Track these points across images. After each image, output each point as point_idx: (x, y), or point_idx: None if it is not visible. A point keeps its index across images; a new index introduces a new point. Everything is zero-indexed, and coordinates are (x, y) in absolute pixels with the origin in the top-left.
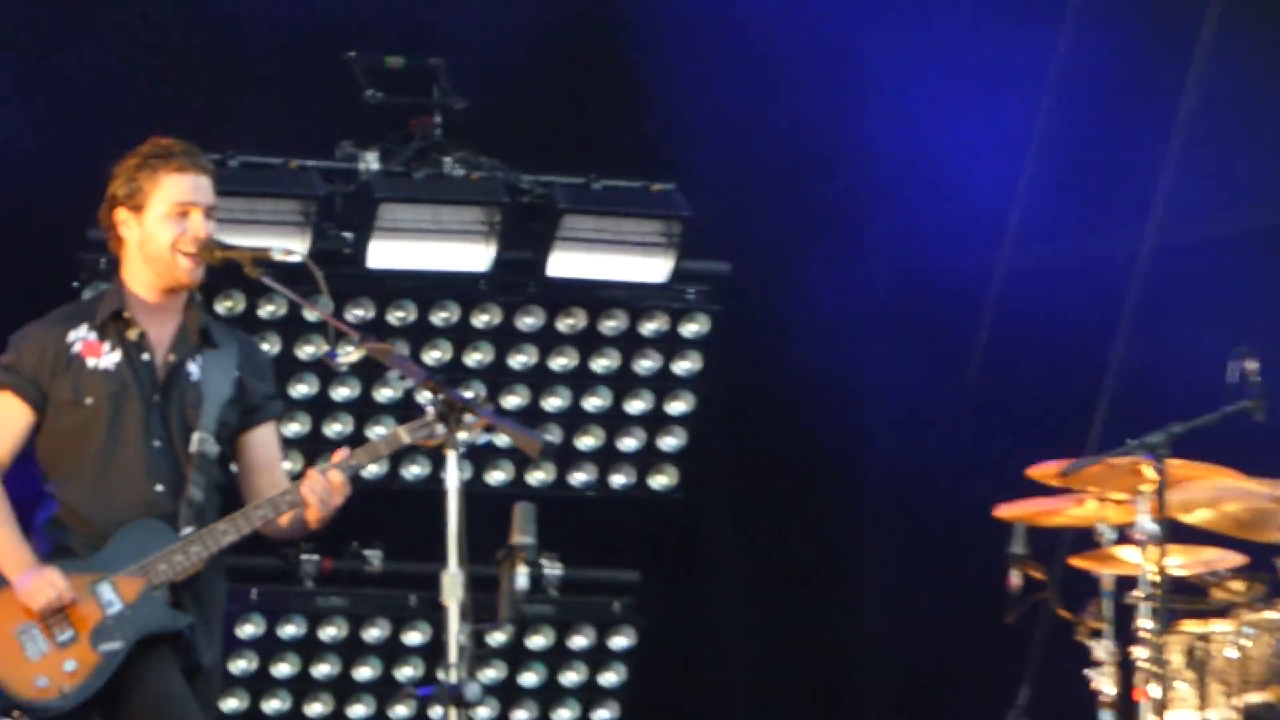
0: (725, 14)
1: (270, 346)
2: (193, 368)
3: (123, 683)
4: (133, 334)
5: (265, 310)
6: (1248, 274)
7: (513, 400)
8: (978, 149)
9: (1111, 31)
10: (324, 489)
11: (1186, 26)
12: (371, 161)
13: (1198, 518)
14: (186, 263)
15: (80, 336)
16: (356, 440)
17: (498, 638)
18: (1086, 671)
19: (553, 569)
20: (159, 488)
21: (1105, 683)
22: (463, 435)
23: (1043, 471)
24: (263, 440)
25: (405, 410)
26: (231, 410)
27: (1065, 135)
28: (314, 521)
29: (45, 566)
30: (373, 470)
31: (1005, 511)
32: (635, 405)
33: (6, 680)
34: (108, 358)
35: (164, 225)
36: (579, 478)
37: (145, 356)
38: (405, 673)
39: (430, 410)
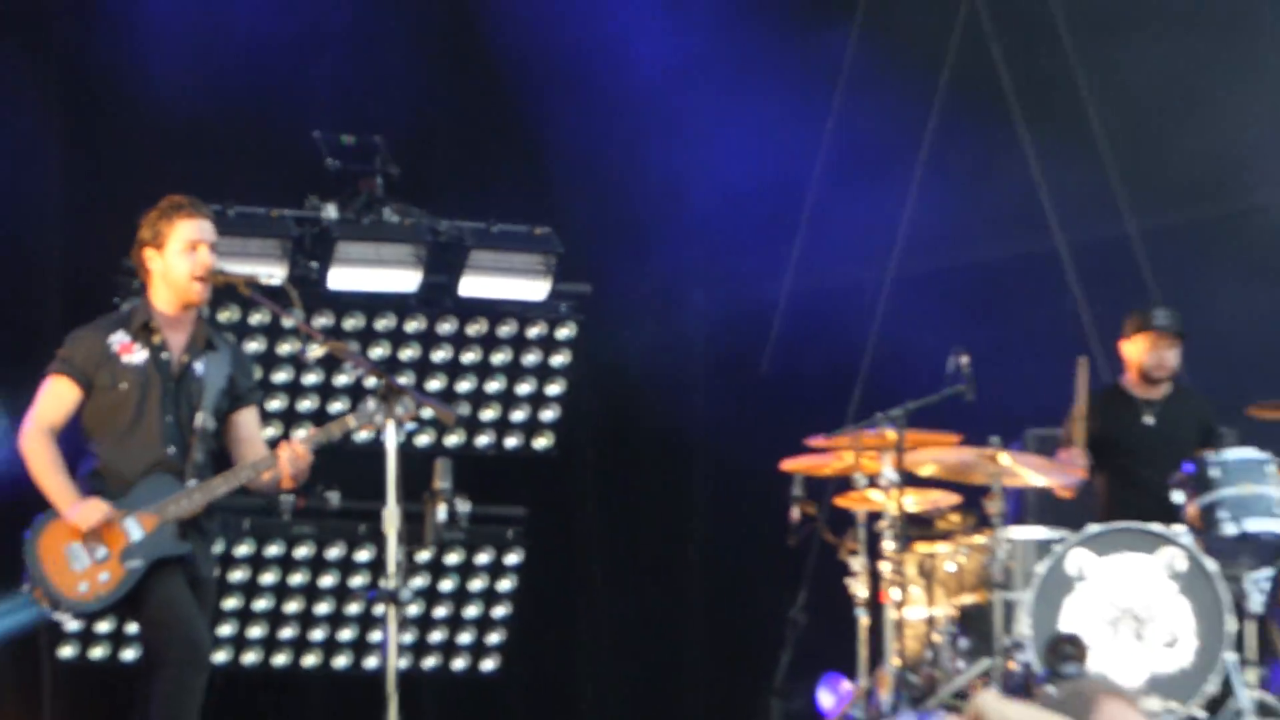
0: (594, 89)
1: (258, 345)
2: (198, 365)
3: (142, 590)
4: (156, 339)
5: (254, 318)
6: (967, 293)
7: (434, 384)
8: (766, 194)
9: (867, 103)
10: (292, 458)
11: (922, 105)
12: (331, 211)
13: (925, 469)
14: (198, 286)
15: (118, 339)
16: (321, 413)
17: (423, 555)
18: (846, 580)
19: (463, 506)
20: (170, 450)
21: (860, 588)
22: (399, 410)
23: (816, 442)
24: (246, 420)
25: (358, 392)
26: (224, 398)
27: (835, 186)
28: (286, 483)
29: (90, 498)
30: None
31: (788, 465)
32: (522, 388)
33: (57, 585)
34: (137, 355)
35: (180, 258)
36: (482, 440)
37: (164, 356)
38: (356, 581)
39: (370, 401)
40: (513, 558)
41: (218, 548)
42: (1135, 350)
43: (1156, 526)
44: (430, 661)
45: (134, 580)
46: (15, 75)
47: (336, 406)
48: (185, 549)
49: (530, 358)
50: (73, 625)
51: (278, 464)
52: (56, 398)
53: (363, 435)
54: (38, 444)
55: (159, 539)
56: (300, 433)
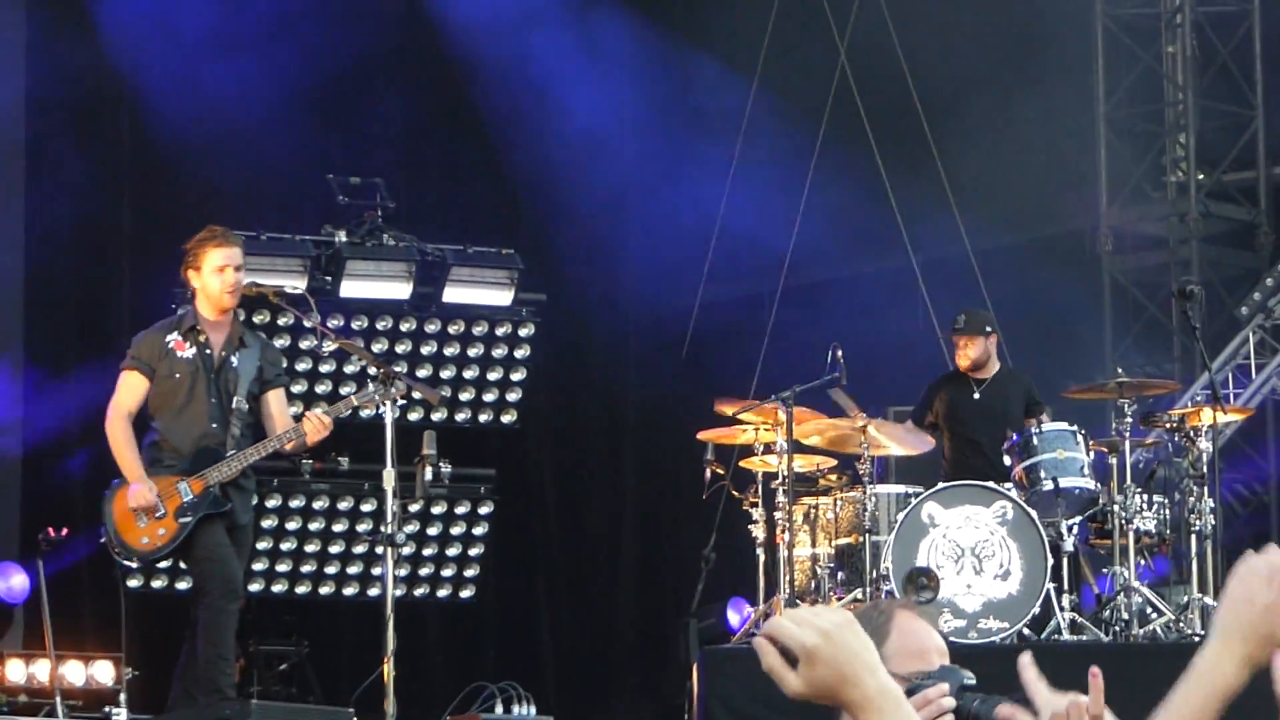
0: (547, 134)
1: (284, 341)
2: (234, 359)
3: (191, 539)
4: (201, 338)
5: (281, 320)
6: (841, 300)
7: (423, 372)
8: (684, 220)
9: (761, 149)
10: (315, 426)
11: (805, 152)
12: (342, 236)
13: (810, 439)
14: (228, 298)
15: (173, 338)
16: (334, 395)
17: (414, 507)
18: (748, 526)
19: (445, 467)
20: (214, 426)
21: (759, 532)
22: (395, 392)
23: (721, 407)
24: (274, 399)
25: (362, 378)
26: (255, 383)
27: (738, 214)
28: (310, 443)
29: (146, 483)
30: (343, 412)
31: (703, 435)
32: (493, 375)
33: (127, 538)
34: (188, 351)
35: (213, 277)
36: (460, 415)
37: (208, 351)
38: (363, 527)
39: (372, 384)
40: (485, 508)
41: (253, 500)
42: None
43: (990, 484)
44: (420, 590)
45: (185, 532)
46: (91, 133)
47: (346, 389)
48: (226, 506)
49: (498, 351)
50: (136, 567)
51: (303, 431)
52: (130, 388)
53: (366, 412)
54: (117, 426)
55: (205, 498)
56: (319, 408)
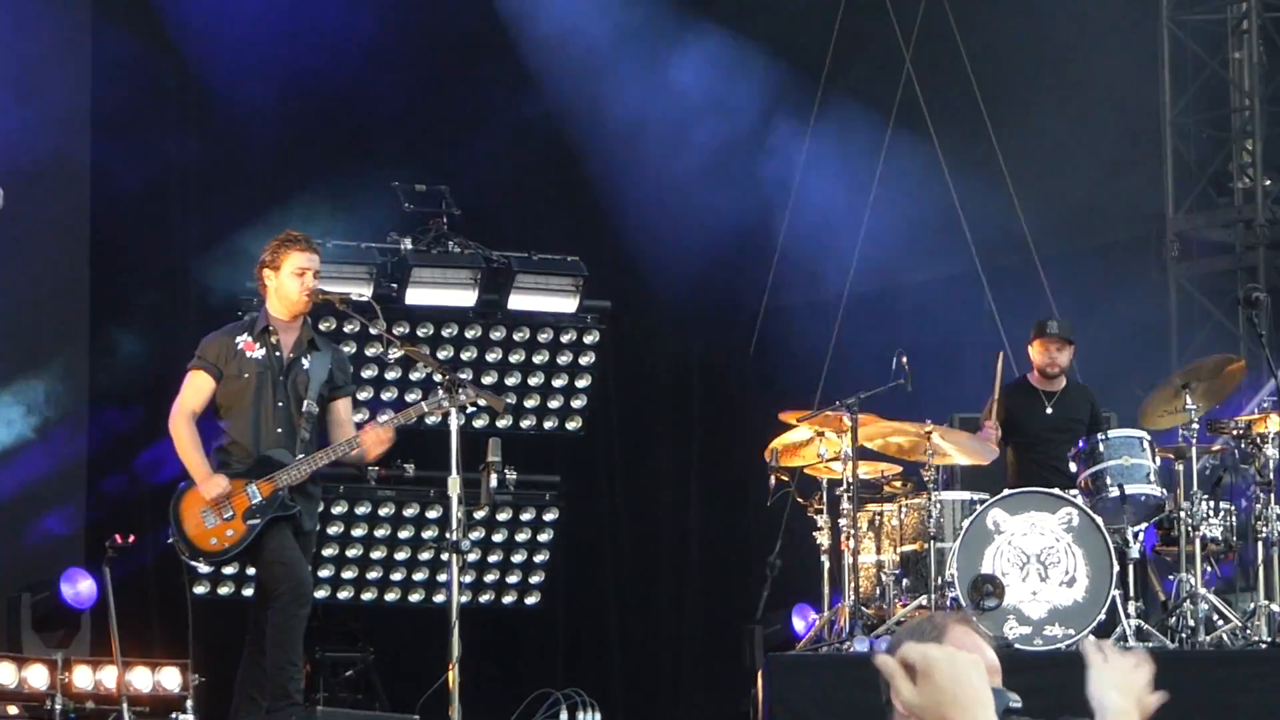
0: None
1: (349, 348)
2: (304, 361)
3: (259, 541)
4: (272, 340)
5: (347, 327)
6: (906, 306)
7: (488, 379)
8: (749, 228)
9: (825, 159)
10: (374, 439)
11: (870, 159)
12: (408, 243)
13: (875, 445)
14: (304, 301)
15: (242, 340)
16: (400, 402)
17: (479, 513)
18: (813, 533)
19: (511, 474)
20: (280, 430)
21: (823, 539)
22: (461, 399)
23: (786, 416)
24: (342, 407)
25: (428, 385)
26: (325, 387)
27: (803, 222)
28: (371, 458)
29: (217, 474)
30: (409, 419)
31: (771, 447)
32: (558, 381)
33: (195, 539)
34: (257, 352)
35: (291, 279)
36: (525, 423)
37: (278, 353)
38: (428, 533)
39: (440, 391)
40: (550, 515)
41: (319, 507)
42: (1035, 352)
43: (1056, 490)
44: (485, 597)
45: (253, 534)
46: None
47: (411, 396)
48: (294, 509)
49: (563, 358)
50: (205, 569)
51: (362, 441)
52: (196, 388)
53: (432, 419)
54: (182, 426)
55: (274, 501)
56: (383, 416)
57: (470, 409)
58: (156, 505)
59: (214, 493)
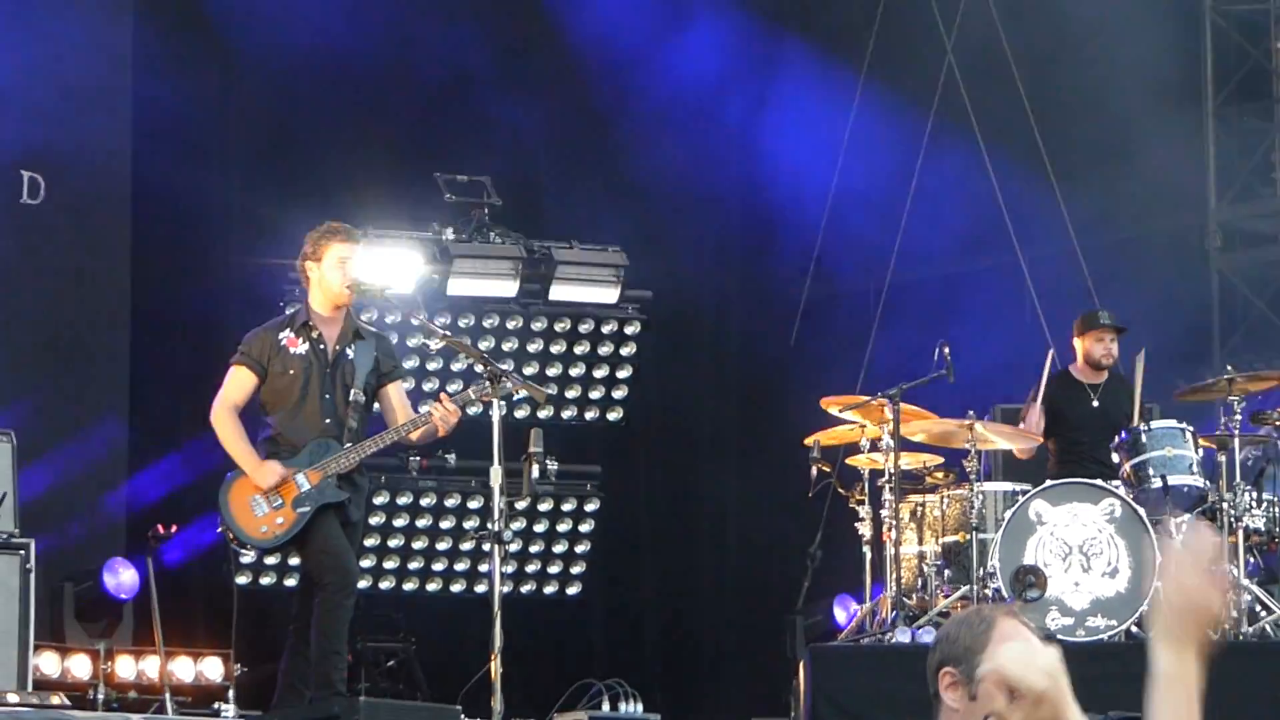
0: (654, 133)
1: (392, 338)
2: (349, 352)
3: (307, 530)
4: (315, 334)
5: (389, 318)
6: (948, 297)
7: (529, 369)
8: (789, 218)
9: (867, 150)
10: (444, 414)
11: (912, 150)
12: (449, 234)
13: (916, 436)
14: (346, 292)
15: (285, 335)
16: (441, 392)
17: (521, 504)
18: (855, 523)
19: (552, 464)
20: (327, 421)
21: (865, 530)
22: (502, 388)
23: (828, 402)
24: (395, 391)
25: (469, 375)
26: (372, 375)
27: (843, 212)
28: (441, 434)
29: (268, 461)
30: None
31: (811, 439)
32: (599, 372)
33: (244, 527)
34: (301, 347)
35: (333, 271)
36: (566, 413)
37: (321, 346)
38: (469, 523)
39: (484, 378)
40: (591, 505)
41: (366, 497)
42: (1088, 343)
43: (1099, 481)
44: (527, 587)
45: (303, 523)
46: (213, 127)
47: (452, 386)
48: (343, 497)
49: (604, 349)
50: (249, 558)
51: (431, 419)
52: (239, 382)
53: (474, 409)
54: (225, 419)
55: (322, 490)
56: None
57: (517, 398)
58: (198, 495)
59: (270, 480)
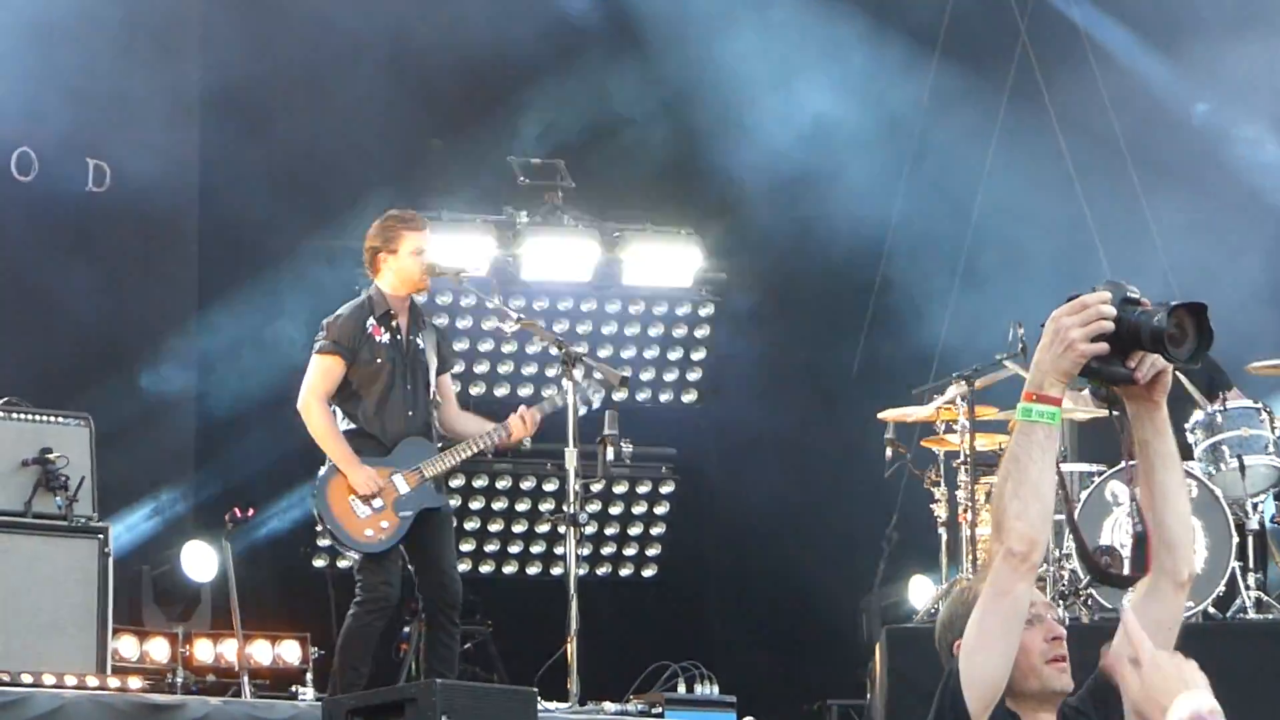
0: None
1: (466, 322)
2: (419, 341)
3: (420, 539)
4: (394, 323)
5: (464, 302)
6: (1023, 276)
7: (603, 352)
8: (858, 208)
9: (939, 139)
10: (519, 425)
11: (983, 136)
12: (523, 217)
13: (990, 415)
14: (426, 280)
15: (370, 323)
16: (516, 374)
17: (596, 486)
18: (930, 505)
19: (627, 447)
20: (410, 413)
21: (940, 511)
22: (576, 373)
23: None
24: (446, 383)
25: (545, 358)
26: (437, 365)
27: (916, 204)
28: (514, 442)
29: (366, 466)
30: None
31: (884, 415)
32: (673, 354)
33: (349, 531)
34: (384, 336)
35: (411, 260)
36: (641, 396)
37: (399, 336)
38: (545, 505)
39: (583, 383)
40: (667, 488)
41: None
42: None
43: None
44: (602, 570)
45: (407, 526)
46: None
47: (527, 369)
48: (441, 501)
49: (679, 331)
50: (326, 541)
51: (509, 429)
52: (327, 371)
53: (583, 410)
54: (316, 411)
55: (422, 493)
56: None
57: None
58: (272, 479)
59: (368, 489)
